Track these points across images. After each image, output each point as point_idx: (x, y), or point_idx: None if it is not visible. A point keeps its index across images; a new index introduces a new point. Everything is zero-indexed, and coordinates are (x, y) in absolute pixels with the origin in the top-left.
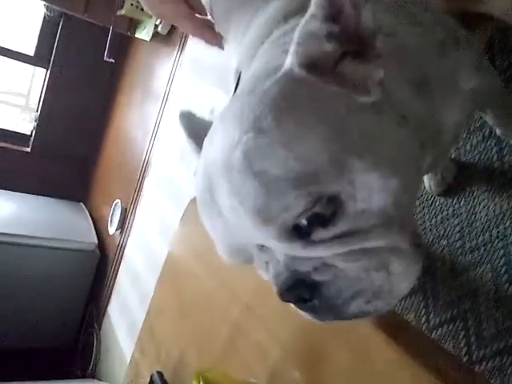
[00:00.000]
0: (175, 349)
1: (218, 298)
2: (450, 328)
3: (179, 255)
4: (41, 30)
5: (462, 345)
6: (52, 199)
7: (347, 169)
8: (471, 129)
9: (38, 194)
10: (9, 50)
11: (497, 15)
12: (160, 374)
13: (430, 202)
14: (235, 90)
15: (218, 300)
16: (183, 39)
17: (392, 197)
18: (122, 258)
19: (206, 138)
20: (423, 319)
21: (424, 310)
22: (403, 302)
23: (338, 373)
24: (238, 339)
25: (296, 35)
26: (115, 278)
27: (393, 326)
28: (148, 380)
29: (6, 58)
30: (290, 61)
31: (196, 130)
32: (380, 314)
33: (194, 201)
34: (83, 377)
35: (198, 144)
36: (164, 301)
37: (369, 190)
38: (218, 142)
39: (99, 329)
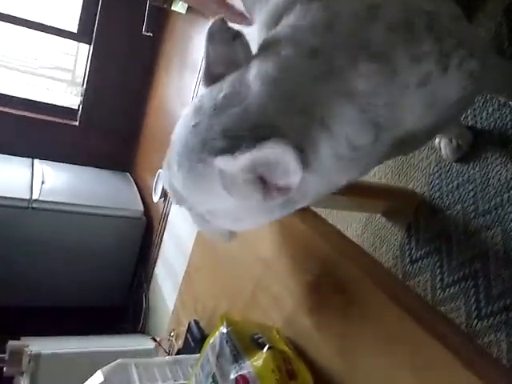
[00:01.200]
0: (209, 301)
1: (243, 256)
2: (461, 286)
3: None
4: (82, 7)
5: (472, 301)
6: (100, 170)
7: None
8: (488, 97)
9: (86, 166)
10: (53, 27)
11: None
12: (196, 322)
13: (447, 169)
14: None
15: (243, 258)
16: None
17: None
18: (166, 224)
19: None
20: (438, 278)
21: (439, 270)
22: (420, 262)
23: (336, 319)
24: (258, 292)
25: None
26: (161, 242)
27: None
28: (186, 327)
29: (51, 35)
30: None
31: None
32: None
33: None
34: (135, 332)
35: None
36: (200, 259)
37: None
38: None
39: (148, 289)
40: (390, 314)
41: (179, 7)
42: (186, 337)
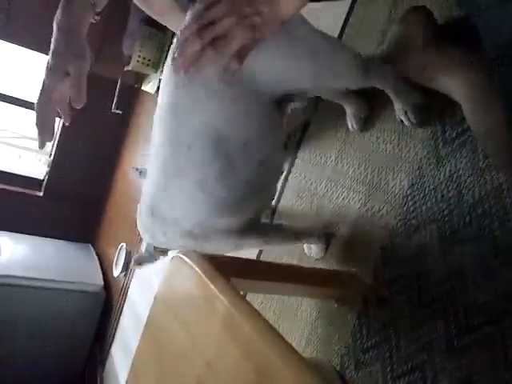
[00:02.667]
0: None
1: (187, 353)
2: (410, 378)
3: (159, 311)
4: None
5: None
6: (62, 241)
7: None
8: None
9: (48, 237)
10: (24, 100)
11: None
12: None
13: (391, 257)
14: None
15: (187, 355)
16: None
17: None
18: (125, 300)
19: None
20: (388, 369)
21: (389, 361)
22: (371, 352)
23: None
24: None
25: None
26: (119, 319)
27: None
28: None
29: (20, 108)
30: None
31: None
32: None
33: (175, 257)
34: None
35: None
36: (147, 351)
37: None
38: None
39: (103, 370)
40: None
41: (149, 87)
42: None
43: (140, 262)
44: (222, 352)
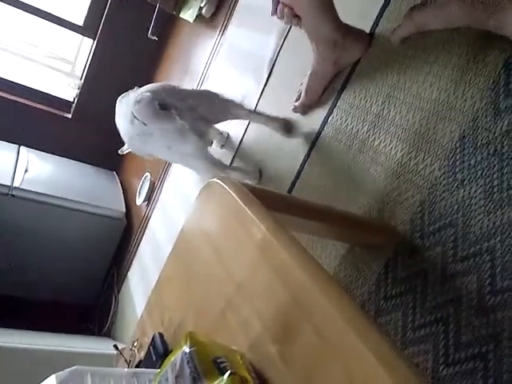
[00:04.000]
0: (177, 315)
1: (216, 274)
2: (432, 330)
3: (190, 234)
4: (91, 1)
5: (440, 346)
6: (87, 165)
7: None
8: (477, 145)
9: (74, 159)
10: (60, 18)
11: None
12: (161, 335)
13: (431, 210)
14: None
15: (216, 276)
16: (225, 24)
17: None
18: (145, 228)
19: None
20: (409, 319)
21: (411, 311)
22: (394, 300)
23: (303, 350)
24: (227, 312)
25: None
26: (138, 245)
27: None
28: (150, 339)
29: (56, 26)
30: None
31: None
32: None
33: (210, 182)
34: (99, 334)
35: None
36: (173, 271)
37: None
38: None
39: (118, 291)
40: (358, 356)
41: (188, 15)
42: (148, 349)
43: None
44: (255, 275)
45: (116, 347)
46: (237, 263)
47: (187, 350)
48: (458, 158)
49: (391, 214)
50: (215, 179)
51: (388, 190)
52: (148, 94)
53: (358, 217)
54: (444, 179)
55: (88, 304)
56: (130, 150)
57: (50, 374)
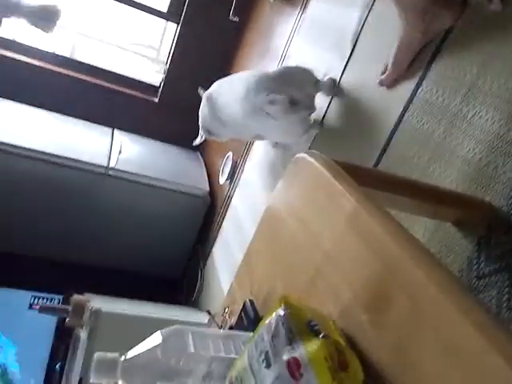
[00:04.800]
0: (266, 284)
1: (305, 244)
2: None
3: (276, 208)
4: None
5: None
6: (173, 146)
7: None
8: None
9: (161, 141)
10: (144, 5)
11: None
12: (252, 302)
13: None
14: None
15: (304, 246)
16: (305, 0)
17: None
18: (228, 206)
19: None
20: (505, 297)
21: (507, 289)
22: (487, 278)
23: (394, 320)
24: (317, 280)
25: None
26: (221, 223)
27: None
28: (241, 306)
29: (141, 12)
30: None
31: None
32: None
33: (298, 157)
34: (186, 304)
35: None
36: (261, 243)
37: None
38: None
39: (204, 266)
40: (454, 326)
41: None
42: (240, 315)
43: None
44: (345, 245)
45: (209, 312)
46: (325, 233)
47: (282, 312)
48: None
49: (486, 188)
50: (303, 154)
51: (483, 164)
52: (279, 97)
53: (449, 191)
54: None
55: (176, 277)
56: (202, 139)
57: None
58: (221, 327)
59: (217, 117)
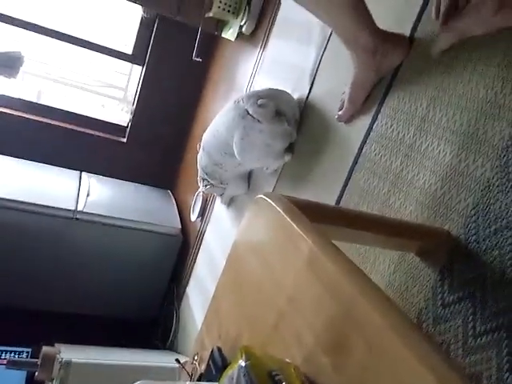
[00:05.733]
0: (233, 328)
1: (269, 288)
2: (494, 337)
3: (240, 250)
4: (138, 31)
5: (504, 354)
6: (143, 186)
7: None
8: None
9: (131, 181)
10: (110, 49)
11: None
12: (219, 349)
13: (485, 213)
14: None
15: (268, 290)
16: (265, 39)
17: None
18: (201, 244)
19: None
20: (470, 325)
21: (472, 317)
22: (452, 307)
23: (354, 362)
24: (281, 325)
25: None
26: (195, 261)
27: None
28: (209, 353)
29: (107, 56)
30: None
31: None
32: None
33: (258, 198)
34: (163, 348)
35: None
36: (228, 285)
37: None
38: None
39: (179, 306)
40: (409, 369)
41: (229, 34)
42: (208, 363)
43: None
44: (305, 289)
45: (178, 361)
46: (287, 277)
47: (243, 363)
48: (510, 157)
49: (444, 218)
50: (262, 195)
51: (439, 195)
52: (271, 102)
53: (408, 223)
54: (497, 180)
55: (151, 319)
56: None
57: None
58: (191, 376)
59: (213, 162)
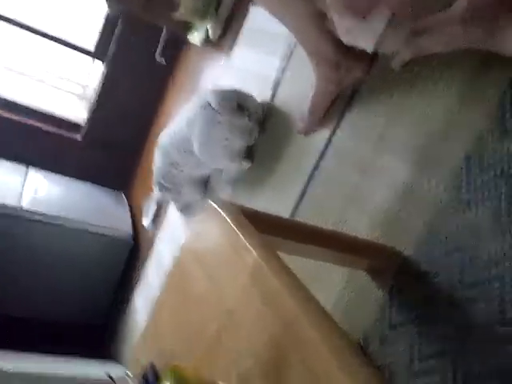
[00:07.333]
0: (169, 342)
1: (209, 301)
2: (440, 361)
3: (186, 256)
4: (103, 27)
5: (449, 379)
6: (95, 186)
7: None
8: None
9: (83, 180)
10: (72, 44)
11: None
12: (153, 366)
13: (436, 234)
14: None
15: (209, 303)
16: (230, 47)
17: None
18: (151, 249)
19: None
20: (415, 348)
21: (417, 340)
22: (399, 328)
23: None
24: (219, 341)
25: None
26: (144, 266)
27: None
28: (144, 370)
29: (68, 50)
30: None
31: None
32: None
33: (207, 206)
34: (106, 357)
35: None
36: (169, 297)
37: None
38: None
39: (124, 313)
40: None
41: (194, 38)
42: (141, 381)
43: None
44: (246, 303)
45: (110, 377)
46: (230, 290)
47: None
48: (463, 179)
49: (396, 237)
50: (211, 202)
51: (393, 213)
52: (234, 95)
53: (359, 240)
54: (450, 201)
55: (95, 325)
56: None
57: None
58: None
59: (170, 162)
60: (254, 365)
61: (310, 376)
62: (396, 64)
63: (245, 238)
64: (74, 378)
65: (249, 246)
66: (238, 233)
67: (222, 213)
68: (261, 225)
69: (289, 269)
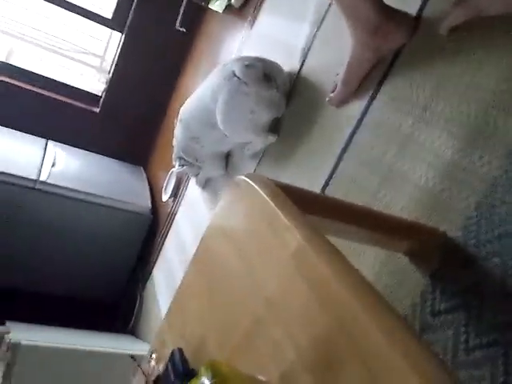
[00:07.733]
0: (198, 329)
1: (244, 287)
2: (489, 353)
3: (214, 236)
4: None
5: (499, 373)
6: (114, 160)
7: None
8: None
9: (101, 154)
10: (89, 11)
11: None
12: (181, 351)
13: (489, 215)
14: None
15: (244, 289)
16: (255, 13)
17: None
18: (171, 225)
19: None
20: (462, 338)
21: (464, 329)
22: (442, 316)
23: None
24: (256, 332)
25: None
26: (163, 243)
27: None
28: (169, 354)
29: (85, 19)
30: None
31: None
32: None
33: (239, 180)
34: (123, 332)
35: None
36: (195, 279)
37: None
38: None
39: (143, 289)
40: None
41: (216, 6)
42: (166, 366)
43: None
44: (289, 292)
45: (133, 358)
46: (267, 276)
47: (207, 382)
48: None
49: (441, 218)
50: (244, 177)
51: (437, 191)
52: (259, 63)
53: (400, 219)
54: (505, 180)
55: (113, 300)
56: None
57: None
58: (146, 376)
59: (191, 136)
60: (296, 359)
61: (368, 375)
62: (444, 28)
63: (286, 217)
64: (96, 351)
65: (291, 225)
66: (278, 210)
67: (258, 188)
68: (299, 202)
69: (340, 253)
